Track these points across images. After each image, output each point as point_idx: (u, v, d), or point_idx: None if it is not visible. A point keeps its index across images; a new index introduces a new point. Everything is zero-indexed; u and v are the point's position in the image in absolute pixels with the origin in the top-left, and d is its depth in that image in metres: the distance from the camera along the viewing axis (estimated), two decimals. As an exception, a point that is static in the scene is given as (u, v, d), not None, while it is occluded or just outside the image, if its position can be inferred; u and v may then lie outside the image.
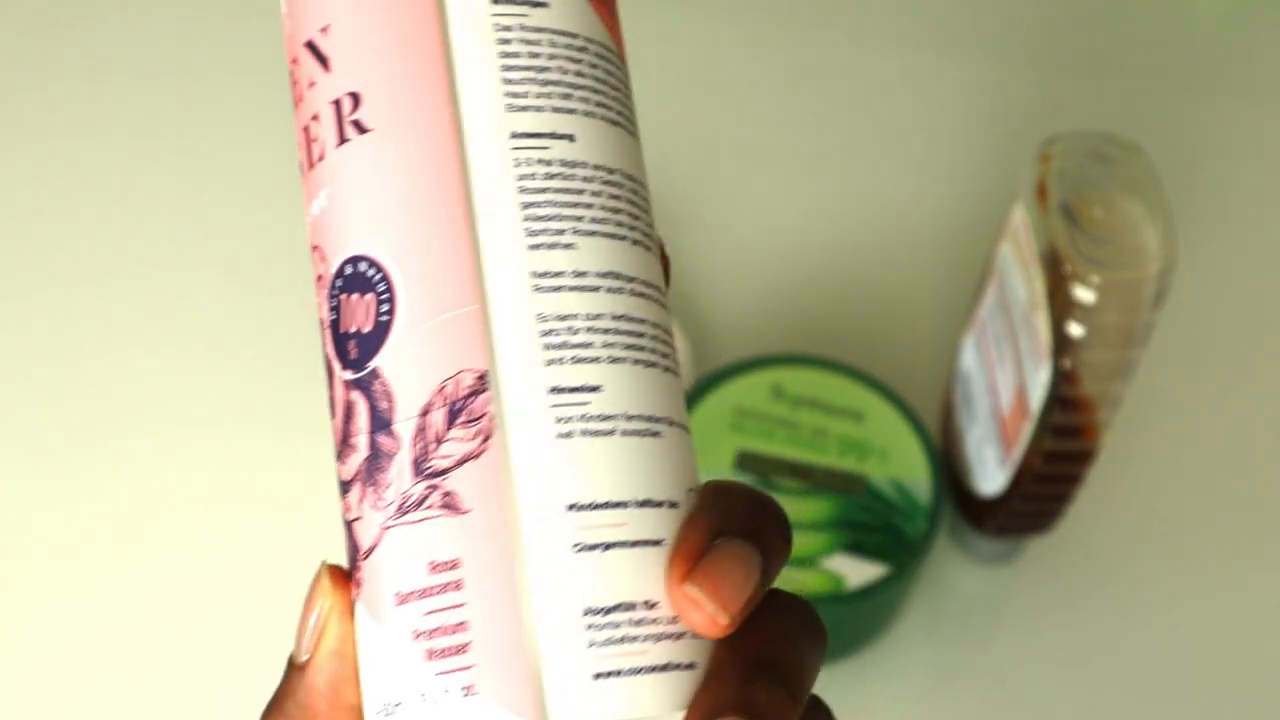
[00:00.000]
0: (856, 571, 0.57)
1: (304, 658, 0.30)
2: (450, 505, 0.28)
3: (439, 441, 0.28)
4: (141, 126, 0.74)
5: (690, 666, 0.28)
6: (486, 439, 0.28)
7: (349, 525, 0.29)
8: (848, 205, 0.73)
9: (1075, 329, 0.53)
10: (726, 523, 0.28)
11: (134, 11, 0.77)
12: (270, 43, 0.77)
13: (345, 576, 0.29)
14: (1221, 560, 0.65)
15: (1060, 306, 0.53)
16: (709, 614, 0.27)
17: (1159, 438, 0.68)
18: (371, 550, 0.28)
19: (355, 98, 0.29)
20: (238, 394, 0.66)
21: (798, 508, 0.58)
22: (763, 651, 0.27)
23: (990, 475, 0.60)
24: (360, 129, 0.29)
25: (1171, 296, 0.72)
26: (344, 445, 0.29)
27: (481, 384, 0.28)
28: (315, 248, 0.30)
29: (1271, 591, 0.64)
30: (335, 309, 0.29)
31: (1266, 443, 0.68)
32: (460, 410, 0.28)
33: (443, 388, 0.28)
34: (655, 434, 0.28)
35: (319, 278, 0.30)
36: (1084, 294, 0.52)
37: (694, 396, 0.60)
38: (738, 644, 0.28)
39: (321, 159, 0.29)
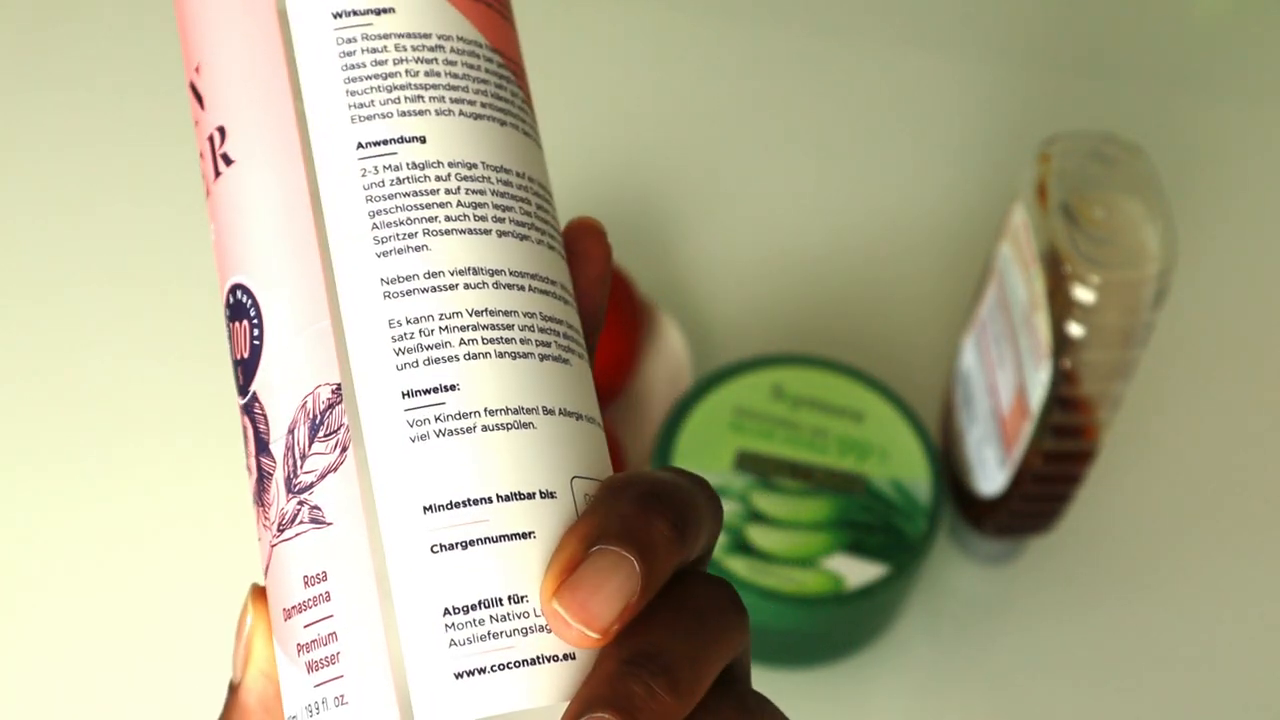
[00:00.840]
0: (856, 571, 0.57)
1: (236, 679, 0.30)
2: (316, 519, 0.28)
3: (304, 457, 0.28)
4: (143, 127, 0.74)
5: (568, 658, 0.27)
6: (344, 450, 0.28)
7: (262, 552, 0.29)
8: (848, 205, 0.73)
9: (1075, 329, 0.53)
10: (608, 526, 0.27)
11: (140, 11, 0.77)
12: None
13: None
14: (1221, 559, 0.65)
15: (1060, 306, 0.53)
16: (576, 631, 0.27)
17: (1159, 438, 0.68)
18: (266, 568, 0.29)
19: (222, 131, 0.30)
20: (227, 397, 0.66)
21: (798, 508, 0.58)
22: (645, 643, 0.27)
23: (990, 475, 0.60)
24: (227, 161, 0.29)
25: (1171, 296, 0.72)
26: (248, 470, 0.29)
27: (337, 396, 0.28)
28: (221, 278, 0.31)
29: (1272, 591, 0.64)
30: (229, 337, 0.29)
31: (1266, 442, 0.68)
32: (320, 425, 0.28)
33: (304, 404, 0.28)
34: (525, 425, 0.28)
35: (224, 304, 0.30)
36: (1084, 294, 0.52)
37: (694, 396, 0.60)
38: (620, 637, 0.27)
39: (209, 194, 0.30)
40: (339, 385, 0.28)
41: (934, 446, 0.60)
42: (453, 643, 0.27)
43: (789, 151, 0.75)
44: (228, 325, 0.29)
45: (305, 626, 0.28)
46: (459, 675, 0.27)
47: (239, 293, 0.29)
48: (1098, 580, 0.64)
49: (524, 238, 0.30)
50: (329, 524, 0.28)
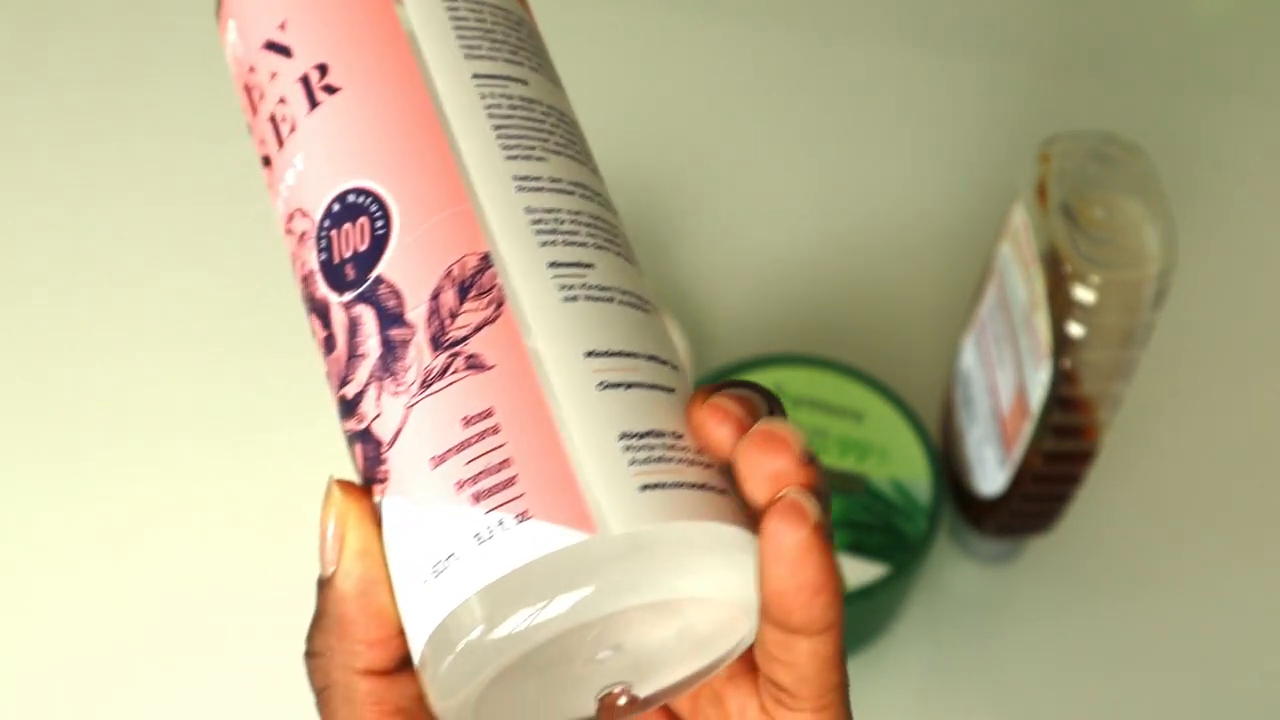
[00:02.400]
0: (856, 571, 0.57)
1: (330, 569, 0.30)
2: (475, 365, 0.30)
3: (453, 316, 0.30)
4: (144, 128, 0.74)
5: (724, 492, 0.30)
6: (499, 305, 0.30)
7: (364, 433, 0.30)
8: (848, 205, 0.73)
9: (1075, 329, 0.53)
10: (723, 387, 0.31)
11: (143, 13, 0.77)
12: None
13: (356, 486, 0.31)
14: (1221, 559, 0.65)
15: (1060, 306, 0.53)
16: (736, 417, 0.30)
17: (1159, 438, 0.68)
18: (397, 435, 0.30)
19: (322, 68, 0.32)
20: (237, 395, 0.66)
21: (798, 508, 0.58)
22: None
23: (990, 475, 0.60)
24: (331, 90, 0.32)
25: (1171, 296, 0.72)
26: (350, 363, 0.31)
27: (486, 262, 0.30)
28: (292, 215, 0.32)
29: (1272, 590, 0.64)
30: (326, 248, 0.31)
31: (1267, 442, 0.68)
32: (470, 286, 0.30)
33: (449, 272, 0.30)
34: (647, 311, 0.31)
35: (301, 236, 0.32)
36: (1084, 294, 0.52)
37: (694, 396, 0.60)
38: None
39: (293, 131, 0.32)
40: (486, 253, 0.31)
41: (934, 446, 0.60)
42: (633, 461, 0.29)
43: (789, 151, 0.75)
44: (325, 236, 0.31)
45: (468, 463, 0.29)
46: (643, 488, 0.29)
47: (350, 196, 0.31)
48: (1098, 580, 0.64)
49: (595, 171, 0.33)
50: (490, 367, 0.30)
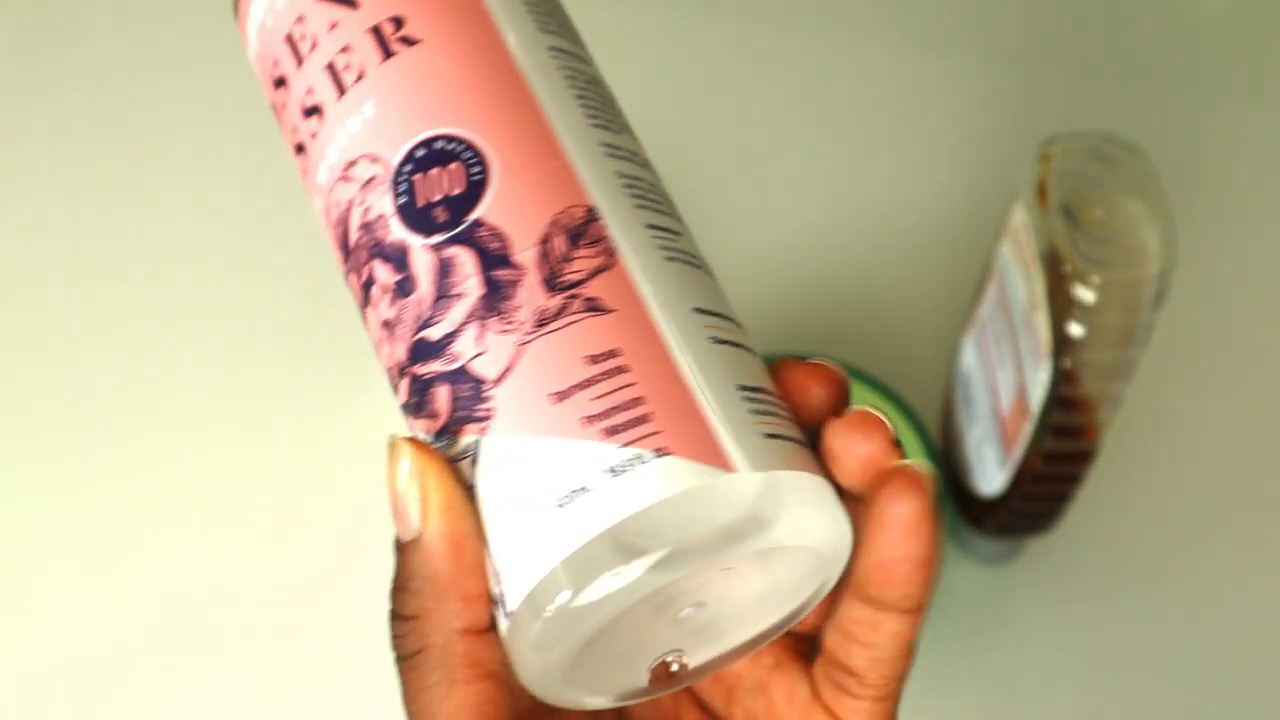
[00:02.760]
0: (856, 571, 0.57)
1: (414, 529, 0.30)
2: (594, 308, 0.31)
3: (566, 260, 0.31)
4: (143, 126, 0.74)
5: (812, 448, 0.32)
6: (612, 255, 0.31)
7: (457, 372, 0.30)
8: (848, 205, 0.73)
9: (1075, 329, 0.53)
10: None
11: (145, 8, 0.77)
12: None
13: (423, 443, 0.30)
14: (1222, 560, 0.65)
15: (1060, 306, 0.53)
16: (837, 381, 0.31)
17: (1159, 438, 0.68)
18: (506, 372, 0.30)
19: (397, 20, 0.33)
20: (239, 392, 0.66)
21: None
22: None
23: (990, 475, 0.60)
24: (409, 42, 0.33)
25: (1171, 296, 0.72)
26: (439, 303, 0.31)
27: (592, 215, 0.31)
28: (355, 161, 0.32)
29: (1272, 591, 0.64)
30: (407, 191, 0.32)
31: (1267, 442, 0.68)
32: (580, 234, 0.31)
33: (555, 220, 0.31)
34: (718, 283, 0.33)
35: (368, 182, 0.32)
36: (1084, 294, 0.52)
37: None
38: None
39: (361, 78, 0.33)
40: (592, 206, 0.31)
41: (934, 446, 0.60)
42: (754, 410, 0.30)
43: (788, 151, 0.75)
44: (407, 180, 0.32)
45: (595, 399, 0.29)
46: (767, 436, 0.30)
47: (438, 142, 0.32)
48: (1098, 580, 0.64)
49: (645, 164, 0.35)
50: (611, 310, 0.31)
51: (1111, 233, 0.53)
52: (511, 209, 0.31)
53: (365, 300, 0.32)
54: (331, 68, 0.33)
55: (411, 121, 0.32)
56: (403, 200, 0.32)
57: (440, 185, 0.31)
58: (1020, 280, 0.56)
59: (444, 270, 0.31)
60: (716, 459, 0.29)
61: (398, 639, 0.31)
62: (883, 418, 0.31)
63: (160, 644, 0.61)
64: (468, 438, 0.30)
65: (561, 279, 0.31)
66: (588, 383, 0.30)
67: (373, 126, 0.32)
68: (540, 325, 0.30)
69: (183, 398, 0.66)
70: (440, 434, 0.30)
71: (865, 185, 0.74)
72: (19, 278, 0.69)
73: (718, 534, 0.28)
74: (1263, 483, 0.67)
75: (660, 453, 0.29)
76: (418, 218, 0.31)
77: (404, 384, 0.31)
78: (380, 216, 0.32)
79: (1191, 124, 0.77)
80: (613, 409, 0.29)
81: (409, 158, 0.32)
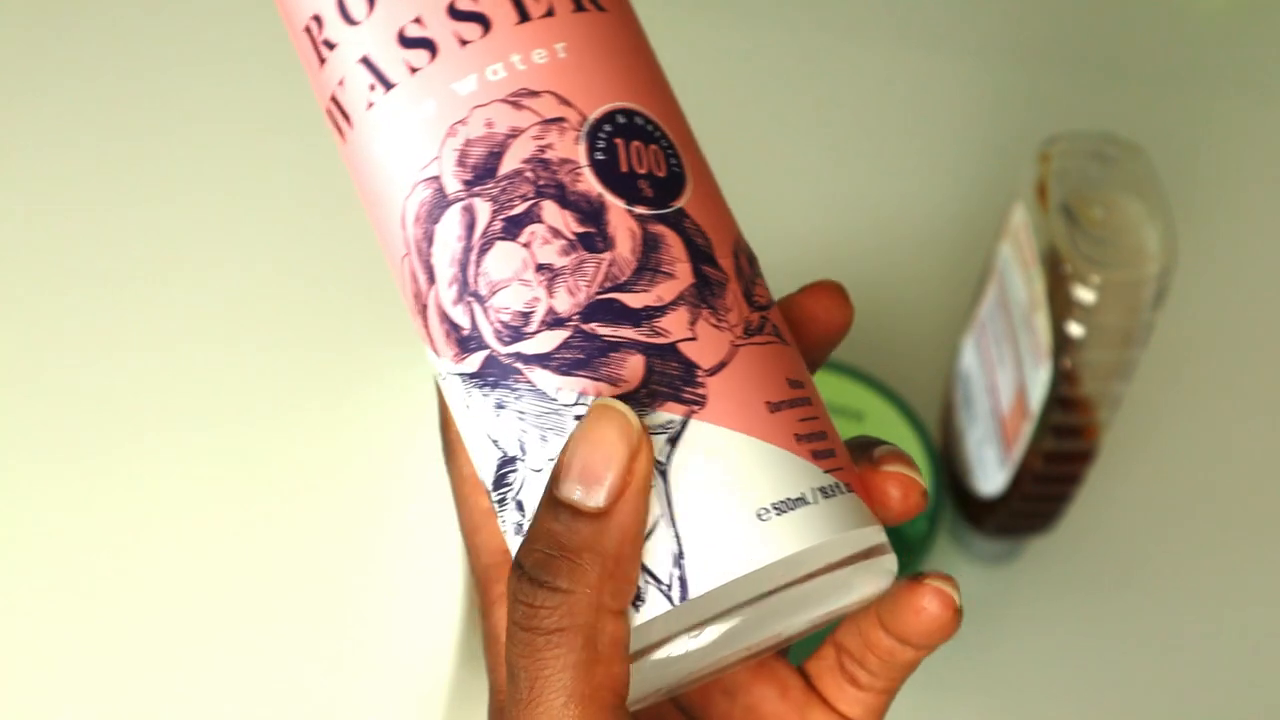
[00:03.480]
0: (856, 571, 0.57)
1: (607, 498, 0.28)
2: (779, 337, 0.31)
3: (752, 282, 0.31)
4: (145, 126, 0.74)
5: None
6: (769, 290, 0.32)
7: (667, 348, 0.30)
8: (847, 205, 0.73)
9: (1075, 329, 0.53)
10: None
11: (154, 5, 0.77)
12: (276, 40, 0.77)
13: (648, 435, 0.29)
14: (1221, 560, 0.65)
15: (1060, 306, 0.53)
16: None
17: (1159, 438, 0.68)
18: (722, 365, 0.30)
19: None
20: (240, 393, 0.66)
21: (798, 508, 0.58)
22: None
23: (990, 475, 0.60)
24: (598, 6, 0.32)
25: (1171, 296, 0.72)
26: (642, 273, 0.30)
27: (750, 248, 0.32)
28: (538, 94, 0.30)
29: (1272, 591, 0.64)
30: (607, 150, 0.31)
31: (1267, 442, 0.68)
32: (753, 259, 0.32)
33: (737, 241, 0.32)
34: None
35: (553, 123, 0.30)
36: (1084, 294, 0.52)
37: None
38: None
39: (550, 14, 0.31)
40: (746, 242, 0.32)
41: (934, 446, 0.60)
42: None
43: (788, 151, 0.75)
44: (607, 139, 0.31)
45: (801, 420, 0.30)
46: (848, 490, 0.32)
47: (638, 118, 0.31)
48: (1098, 580, 0.64)
49: None
50: (790, 344, 0.31)
51: (1111, 233, 0.53)
52: (706, 214, 0.31)
53: (509, 233, 0.30)
54: None
55: (610, 84, 0.31)
56: (600, 157, 0.30)
57: (645, 161, 0.31)
58: (1020, 280, 0.56)
59: (651, 244, 0.30)
60: (870, 516, 0.31)
61: (538, 610, 0.28)
62: (916, 475, 0.32)
63: (165, 644, 0.61)
64: (667, 415, 0.29)
65: (755, 298, 0.31)
66: (794, 402, 0.30)
67: (563, 69, 0.31)
68: (748, 334, 0.30)
69: (187, 395, 0.66)
70: (623, 399, 0.29)
71: (865, 185, 0.74)
72: (21, 279, 0.69)
73: (868, 570, 0.31)
74: (1263, 483, 0.67)
75: (849, 488, 0.30)
76: (620, 182, 0.30)
77: (558, 334, 0.30)
78: (567, 161, 0.30)
79: (1191, 123, 0.77)
80: (814, 434, 0.30)
81: (608, 118, 0.31)
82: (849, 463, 0.31)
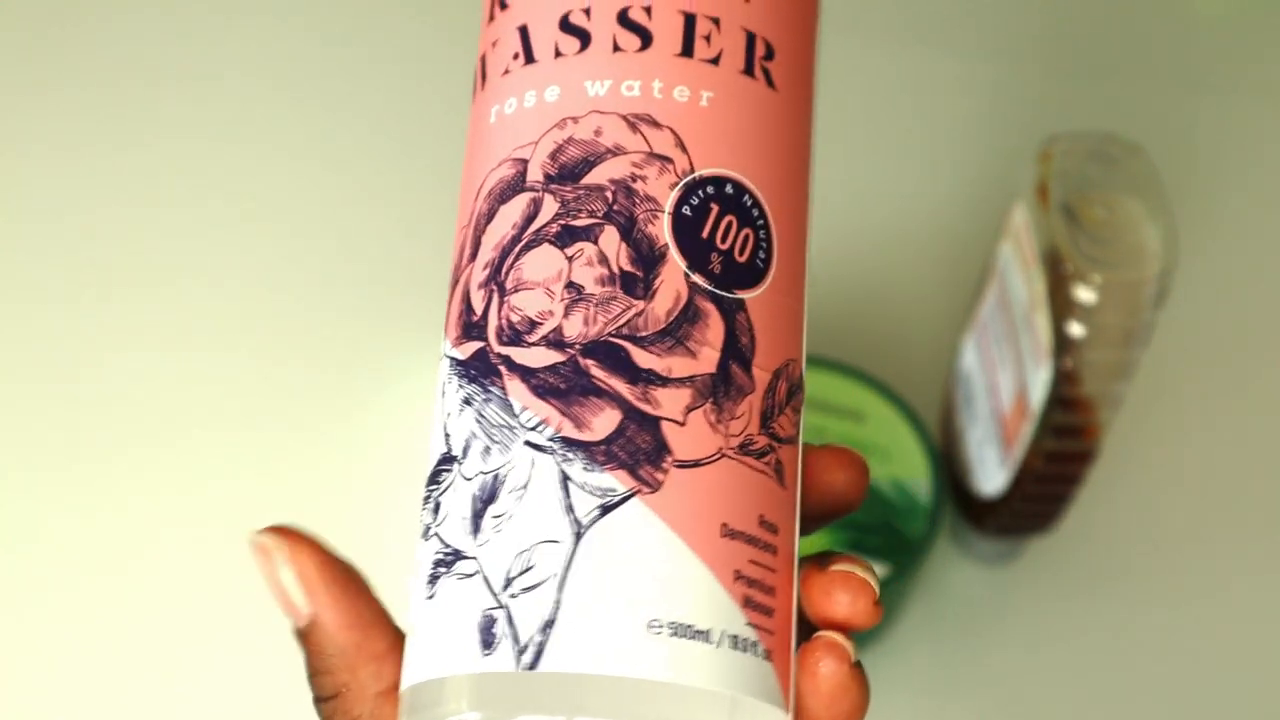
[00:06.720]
0: (857, 571, 0.57)
1: (306, 614, 0.30)
2: (778, 473, 0.29)
3: (779, 410, 0.29)
4: (147, 127, 0.74)
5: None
6: (797, 432, 0.29)
7: (647, 418, 0.28)
8: (847, 205, 0.73)
9: (1075, 329, 0.53)
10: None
11: (155, 11, 0.77)
12: (278, 41, 0.77)
13: (281, 528, 0.30)
14: (1222, 560, 0.65)
15: (1060, 306, 0.53)
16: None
17: (1159, 438, 0.68)
18: (696, 464, 0.28)
19: (770, 49, 0.31)
20: (246, 397, 0.66)
21: (798, 508, 0.58)
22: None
23: (990, 475, 0.60)
24: (768, 79, 0.31)
25: (1171, 296, 0.72)
26: (667, 339, 0.28)
27: (802, 382, 0.29)
28: (662, 126, 0.29)
29: (1272, 592, 0.64)
30: (696, 209, 0.29)
31: (1267, 443, 0.68)
32: (794, 392, 0.29)
33: (787, 364, 0.29)
34: None
35: (660, 159, 0.29)
36: (1084, 294, 0.52)
37: (694, 396, 0.60)
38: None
39: (713, 62, 0.30)
40: (804, 373, 0.29)
41: (934, 446, 0.60)
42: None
43: (789, 151, 0.75)
44: (702, 198, 0.29)
45: (752, 563, 0.28)
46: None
47: (746, 197, 0.30)
48: (1098, 581, 0.64)
49: None
50: (786, 488, 0.29)
51: (1112, 232, 0.53)
52: (768, 321, 0.29)
53: (560, 240, 0.29)
54: (690, 20, 0.30)
55: (736, 153, 0.30)
56: (686, 212, 0.29)
57: (729, 237, 0.29)
58: (1020, 280, 0.56)
59: (689, 314, 0.28)
60: (785, 696, 0.28)
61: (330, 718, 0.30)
62: (870, 579, 0.30)
63: (168, 646, 0.61)
64: (613, 482, 0.27)
65: (772, 424, 0.29)
66: (752, 541, 0.28)
67: (697, 116, 0.30)
68: (743, 450, 0.28)
69: (191, 398, 0.66)
70: (577, 445, 0.28)
71: (865, 185, 0.74)
72: (29, 282, 0.69)
73: None
74: (1263, 482, 0.67)
75: (768, 656, 0.27)
76: (693, 244, 0.29)
77: (553, 355, 0.28)
78: (651, 200, 0.29)
79: (1192, 123, 0.77)
80: (757, 582, 0.28)
81: (714, 180, 0.29)
82: (786, 640, 0.28)
